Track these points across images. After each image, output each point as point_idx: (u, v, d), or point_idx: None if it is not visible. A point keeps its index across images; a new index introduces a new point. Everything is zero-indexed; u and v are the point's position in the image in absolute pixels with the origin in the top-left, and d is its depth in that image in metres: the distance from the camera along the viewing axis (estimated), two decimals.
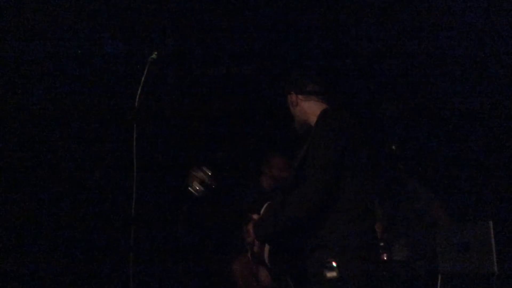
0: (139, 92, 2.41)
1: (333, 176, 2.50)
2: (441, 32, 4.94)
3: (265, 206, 3.01)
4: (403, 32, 5.02)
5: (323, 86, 2.88)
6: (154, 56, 2.54)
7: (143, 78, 2.46)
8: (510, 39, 4.75)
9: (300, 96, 2.86)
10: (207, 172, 2.90)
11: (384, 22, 4.94)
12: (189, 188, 2.86)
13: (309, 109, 2.85)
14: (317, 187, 2.49)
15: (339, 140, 2.55)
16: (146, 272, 4.78)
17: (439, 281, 3.84)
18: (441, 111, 5.40)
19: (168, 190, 5.42)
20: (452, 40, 5.00)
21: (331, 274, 2.51)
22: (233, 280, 3.97)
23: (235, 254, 3.97)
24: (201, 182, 2.87)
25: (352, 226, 2.58)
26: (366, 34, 5.12)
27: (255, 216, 2.95)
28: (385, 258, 4.12)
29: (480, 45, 4.94)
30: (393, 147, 5.69)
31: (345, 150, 2.54)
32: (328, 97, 2.86)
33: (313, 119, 2.78)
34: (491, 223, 3.58)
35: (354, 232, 2.57)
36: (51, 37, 4.92)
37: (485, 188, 4.95)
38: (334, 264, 2.51)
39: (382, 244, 4.22)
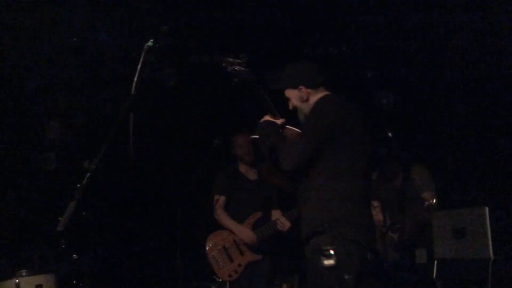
0: (135, 80, 2.39)
1: (315, 144, 2.66)
2: (438, 24, 4.95)
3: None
4: (400, 22, 5.02)
5: (327, 76, 2.95)
6: (150, 43, 2.51)
7: (139, 66, 2.43)
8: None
9: (309, 90, 2.89)
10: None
11: (381, 11, 4.93)
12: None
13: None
14: (302, 148, 2.68)
15: (325, 119, 2.69)
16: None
17: (435, 267, 3.85)
18: (437, 99, 5.42)
19: (165, 176, 5.44)
20: (447, 31, 5.01)
21: (328, 262, 2.52)
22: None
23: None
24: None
25: (346, 211, 2.61)
26: (362, 23, 5.11)
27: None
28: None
29: (474, 36, 4.95)
30: (389, 134, 5.71)
31: (330, 128, 2.67)
32: (331, 87, 2.93)
33: None
34: (486, 209, 3.60)
35: (349, 217, 2.60)
36: (46, 26, 4.90)
37: (480, 173, 4.98)
38: (331, 251, 2.53)
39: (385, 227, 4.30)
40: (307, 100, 2.89)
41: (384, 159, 4.43)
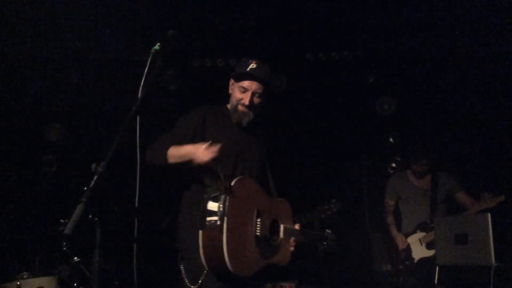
0: (142, 83, 2.38)
1: None
2: (439, 28, 4.97)
3: None
4: (402, 28, 5.04)
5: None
6: (157, 47, 2.50)
7: (146, 70, 2.42)
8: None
9: None
10: None
11: (383, 17, 4.94)
12: None
13: None
14: None
15: None
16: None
17: (436, 273, 3.86)
18: (439, 105, 5.42)
19: (171, 182, 5.41)
20: (448, 37, 5.03)
21: None
22: None
23: None
24: None
25: None
26: (364, 28, 5.12)
27: None
28: None
29: (476, 42, 4.98)
30: (390, 139, 5.71)
31: None
32: None
33: None
34: (489, 216, 3.61)
35: None
36: (50, 29, 4.90)
37: (483, 180, 4.98)
38: None
39: None
40: None
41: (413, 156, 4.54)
